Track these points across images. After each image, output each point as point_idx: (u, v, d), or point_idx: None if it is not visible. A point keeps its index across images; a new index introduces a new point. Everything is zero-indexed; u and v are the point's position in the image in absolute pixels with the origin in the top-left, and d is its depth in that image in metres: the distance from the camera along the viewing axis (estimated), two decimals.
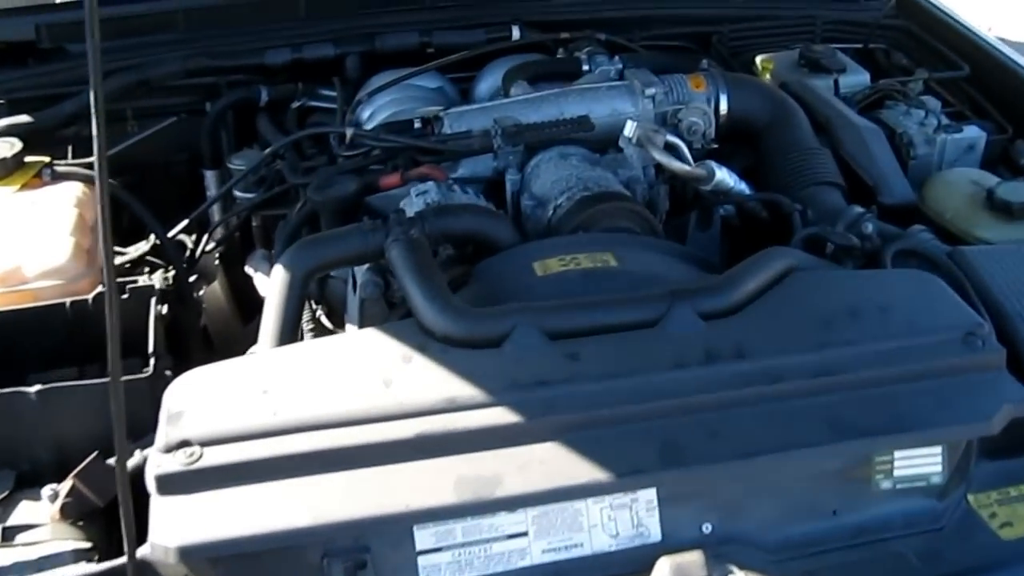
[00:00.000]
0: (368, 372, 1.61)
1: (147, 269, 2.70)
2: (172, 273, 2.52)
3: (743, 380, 1.70)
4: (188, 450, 1.45)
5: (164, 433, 1.48)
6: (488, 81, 3.03)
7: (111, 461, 1.76)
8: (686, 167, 2.35)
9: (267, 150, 2.65)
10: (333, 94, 3.06)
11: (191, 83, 3.02)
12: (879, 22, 3.21)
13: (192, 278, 2.80)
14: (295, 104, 3.03)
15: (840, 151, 2.61)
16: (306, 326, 2.47)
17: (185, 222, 2.67)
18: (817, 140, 2.62)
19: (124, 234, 2.68)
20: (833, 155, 2.58)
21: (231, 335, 2.87)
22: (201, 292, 2.81)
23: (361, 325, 2.19)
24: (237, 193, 2.75)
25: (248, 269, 2.85)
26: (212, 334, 2.89)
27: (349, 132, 2.52)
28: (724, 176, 2.44)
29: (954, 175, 2.56)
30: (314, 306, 2.49)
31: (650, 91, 2.56)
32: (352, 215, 2.43)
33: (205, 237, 2.76)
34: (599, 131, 2.52)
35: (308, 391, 1.57)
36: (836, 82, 2.92)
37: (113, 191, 2.60)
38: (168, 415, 1.52)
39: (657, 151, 2.33)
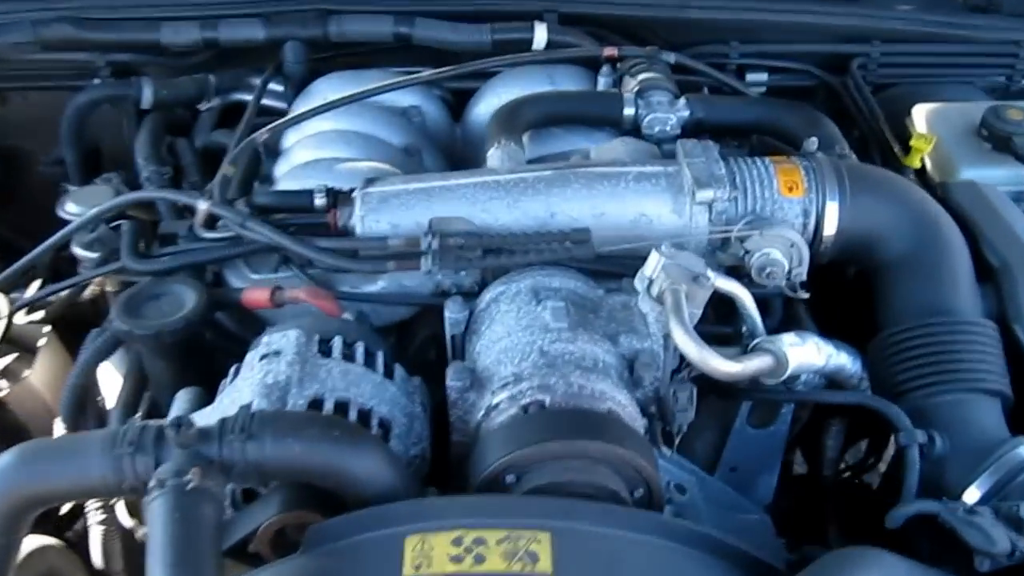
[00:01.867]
0: None
1: None
2: None
3: None
4: None
5: None
6: (490, 101, 2.17)
7: None
8: (731, 367, 1.45)
9: (93, 210, 1.77)
10: (276, 87, 2.19)
11: (57, 59, 2.14)
12: None
13: (6, 361, 2.00)
14: (206, 105, 2.13)
15: (1014, 324, 1.69)
16: (93, 518, 1.71)
17: None
18: (979, 301, 1.70)
19: None
20: (1002, 330, 1.67)
21: None
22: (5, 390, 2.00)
23: None
24: (76, 251, 1.92)
25: None
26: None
27: (202, 207, 1.64)
28: (808, 358, 1.59)
29: None
30: None
31: (705, 195, 1.64)
32: (197, 340, 1.68)
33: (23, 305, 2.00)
34: (615, 243, 1.66)
35: None
36: None
37: None
38: None
39: (683, 333, 1.45)
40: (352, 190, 1.72)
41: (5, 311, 1.99)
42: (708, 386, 1.61)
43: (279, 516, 1.33)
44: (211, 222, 1.74)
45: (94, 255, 1.94)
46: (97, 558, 1.73)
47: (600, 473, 1.35)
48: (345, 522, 1.27)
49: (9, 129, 2.42)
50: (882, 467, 1.97)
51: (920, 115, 2.10)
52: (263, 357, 1.48)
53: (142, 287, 1.67)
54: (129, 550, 1.76)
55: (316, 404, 1.42)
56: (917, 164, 1.96)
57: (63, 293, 2.03)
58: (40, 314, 2.07)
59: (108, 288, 2.03)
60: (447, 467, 1.51)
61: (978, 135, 2.03)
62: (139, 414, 1.69)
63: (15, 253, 2.44)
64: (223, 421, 1.29)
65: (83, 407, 1.71)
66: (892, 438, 1.54)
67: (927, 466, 1.51)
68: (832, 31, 2.30)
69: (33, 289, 2.06)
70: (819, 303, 1.75)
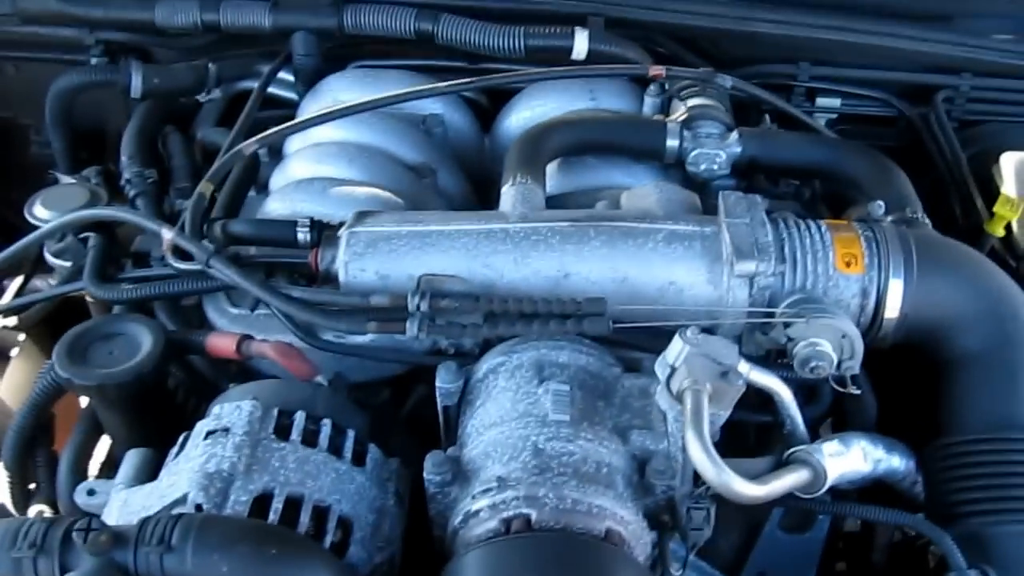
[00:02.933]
0: None
1: None
2: None
3: None
4: None
5: None
6: (523, 114, 1.96)
7: None
8: (756, 491, 1.26)
9: (51, 223, 1.59)
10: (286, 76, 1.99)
11: (43, 33, 1.95)
12: None
13: None
14: (205, 96, 1.92)
15: None
16: None
17: None
18: None
19: None
20: None
21: None
22: None
23: None
24: (49, 258, 1.79)
25: None
26: None
27: (167, 237, 1.43)
28: (853, 467, 1.40)
29: None
30: None
31: (746, 267, 1.40)
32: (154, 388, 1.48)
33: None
34: (636, 314, 1.44)
35: None
36: None
37: None
38: None
39: (700, 450, 1.25)
40: (340, 225, 1.51)
41: None
42: None
43: None
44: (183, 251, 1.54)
45: (66, 263, 1.77)
46: None
47: None
48: None
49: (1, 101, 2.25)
50: None
51: (1009, 165, 1.85)
52: (209, 434, 1.28)
53: (92, 325, 1.48)
54: None
55: (263, 500, 1.22)
56: (1001, 232, 1.71)
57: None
58: (13, 320, 1.89)
59: (88, 296, 1.86)
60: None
61: None
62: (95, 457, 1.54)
63: (6, 229, 2.26)
64: (143, 525, 1.10)
65: (30, 451, 1.54)
66: None
67: None
68: (918, 58, 2.05)
69: (13, 289, 1.88)
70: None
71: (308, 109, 1.93)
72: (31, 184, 2.31)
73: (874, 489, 1.47)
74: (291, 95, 2.06)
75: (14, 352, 1.92)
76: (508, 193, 1.56)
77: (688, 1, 1.99)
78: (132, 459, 1.39)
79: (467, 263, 1.45)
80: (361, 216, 1.51)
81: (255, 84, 2.07)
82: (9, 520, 1.15)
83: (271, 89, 2.06)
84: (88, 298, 1.87)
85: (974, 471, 1.40)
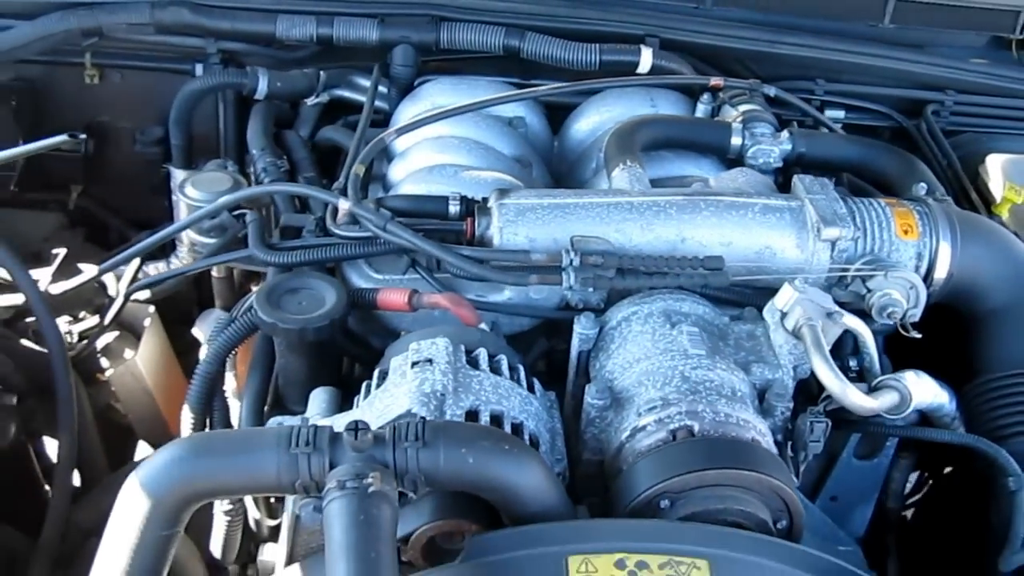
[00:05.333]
0: None
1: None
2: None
3: None
4: None
5: None
6: (591, 118, 2.08)
7: None
8: (871, 403, 1.39)
9: (231, 195, 1.68)
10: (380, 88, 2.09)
11: (167, 42, 2.03)
12: None
13: (108, 339, 1.88)
14: (313, 100, 2.02)
15: None
16: (219, 507, 1.58)
17: (88, 276, 1.75)
18: None
19: None
20: None
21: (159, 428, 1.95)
22: (108, 370, 1.89)
23: (289, 553, 1.34)
24: (193, 235, 1.86)
25: (196, 332, 1.93)
26: (135, 426, 1.96)
27: (343, 206, 1.54)
28: (925, 397, 1.53)
29: None
30: None
31: (831, 232, 1.56)
32: (330, 343, 1.55)
33: (127, 278, 1.92)
34: (738, 272, 1.58)
35: None
36: None
37: None
38: None
39: (827, 368, 1.39)
40: (485, 200, 1.64)
41: (117, 291, 1.89)
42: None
43: (435, 523, 1.24)
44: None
45: (209, 240, 1.85)
46: (217, 548, 1.63)
47: (752, 503, 1.28)
48: (509, 536, 1.20)
49: (103, 105, 2.31)
50: None
51: (995, 165, 2.04)
52: (415, 364, 1.39)
53: (279, 280, 1.56)
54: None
55: (471, 416, 1.33)
56: (1006, 214, 1.91)
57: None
58: (145, 294, 1.97)
59: (215, 273, 1.94)
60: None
61: None
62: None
63: (98, 227, 2.32)
64: (395, 427, 1.19)
65: (212, 397, 1.59)
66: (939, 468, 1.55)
67: None
68: (911, 77, 2.24)
69: (132, 269, 1.95)
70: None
71: (407, 112, 2.03)
72: (123, 182, 2.38)
73: None
74: (380, 104, 2.14)
75: (147, 322, 1.99)
76: (620, 175, 1.70)
77: (727, 27, 2.17)
78: (321, 396, 1.47)
79: (601, 229, 1.57)
80: (503, 192, 1.63)
81: (346, 92, 2.18)
82: (276, 427, 1.24)
83: (356, 96, 2.17)
84: (216, 274, 1.95)
85: (1015, 399, 1.57)
